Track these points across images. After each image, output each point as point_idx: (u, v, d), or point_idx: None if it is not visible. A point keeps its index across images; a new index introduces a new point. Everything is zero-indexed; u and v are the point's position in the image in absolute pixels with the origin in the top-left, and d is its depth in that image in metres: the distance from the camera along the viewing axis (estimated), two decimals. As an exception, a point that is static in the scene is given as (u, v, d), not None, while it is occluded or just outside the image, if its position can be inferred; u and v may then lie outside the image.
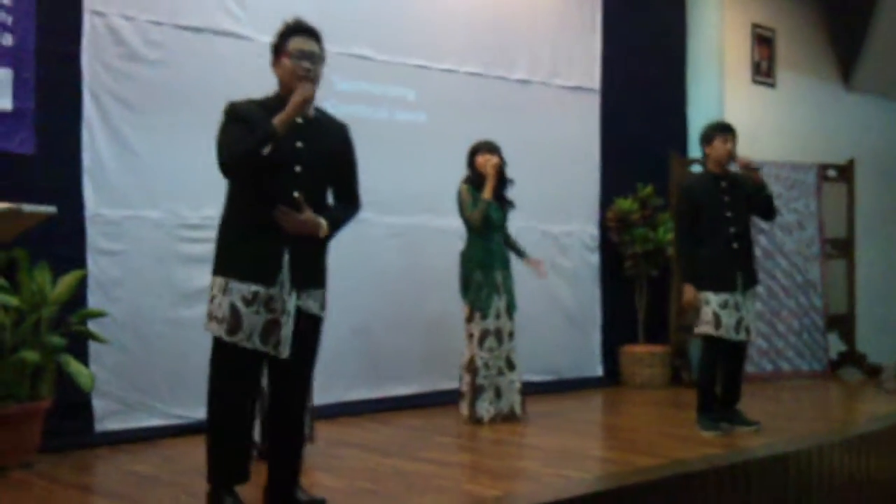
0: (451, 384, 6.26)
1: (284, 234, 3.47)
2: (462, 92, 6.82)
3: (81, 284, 4.95)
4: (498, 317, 5.72)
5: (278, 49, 3.61)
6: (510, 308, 5.78)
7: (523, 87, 7.21)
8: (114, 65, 5.24)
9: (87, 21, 5.15)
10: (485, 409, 5.69)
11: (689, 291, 5.44)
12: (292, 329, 3.53)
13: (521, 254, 6.01)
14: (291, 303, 3.52)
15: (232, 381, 3.51)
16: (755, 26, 8.57)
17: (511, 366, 5.77)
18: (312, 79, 3.55)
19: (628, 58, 7.83)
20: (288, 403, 3.66)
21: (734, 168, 5.57)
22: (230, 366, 3.51)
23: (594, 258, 7.65)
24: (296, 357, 3.56)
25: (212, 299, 3.51)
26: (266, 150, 3.36)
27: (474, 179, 5.75)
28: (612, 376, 7.60)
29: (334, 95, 5.88)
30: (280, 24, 3.65)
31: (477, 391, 5.68)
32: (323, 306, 3.69)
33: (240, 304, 3.45)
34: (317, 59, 3.59)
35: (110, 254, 5.19)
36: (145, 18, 5.35)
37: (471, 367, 5.69)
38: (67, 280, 4.79)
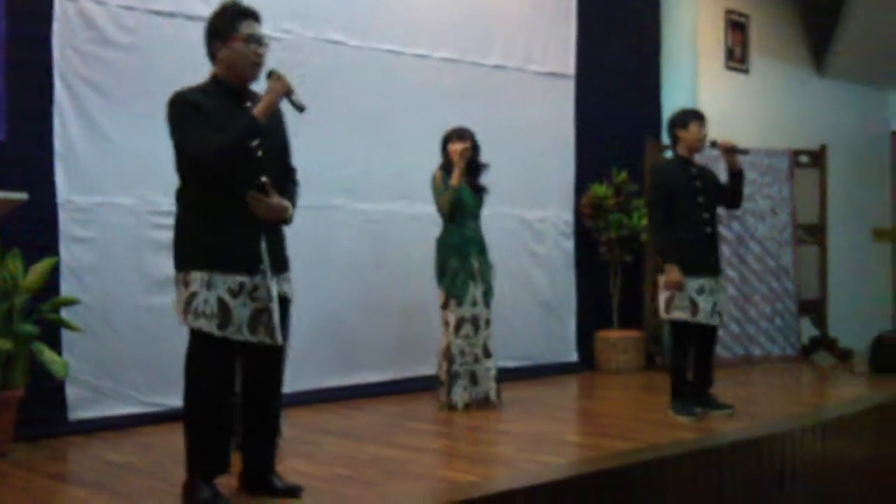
0: (425, 371, 6.27)
1: (258, 221, 3.46)
2: (436, 78, 6.81)
3: (54, 272, 4.91)
4: (475, 304, 5.70)
5: (224, 32, 3.50)
6: (487, 295, 5.76)
7: (498, 73, 7.21)
8: (85, 49, 5.20)
9: (58, 5, 5.10)
10: (459, 395, 5.68)
11: (673, 272, 5.38)
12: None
13: None
14: (274, 289, 3.52)
15: (216, 374, 3.48)
16: (729, 12, 8.61)
17: (487, 353, 5.75)
18: (263, 64, 3.52)
19: (603, 44, 7.85)
20: (264, 390, 3.66)
21: (705, 155, 5.60)
22: (215, 359, 3.47)
23: (569, 244, 7.67)
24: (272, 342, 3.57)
25: (192, 296, 3.41)
26: (253, 143, 3.35)
27: (447, 167, 5.75)
28: (587, 362, 7.64)
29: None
30: (227, 5, 3.56)
31: (452, 378, 5.68)
32: (292, 288, 3.71)
33: (227, 297, 3.40)
34: (265, 43, 3.56)
35: (83, 241, 5.16)
36: (117, 3, 5.31)
37: (447, 355, 5.69)
38: (39, 268, 4.74)
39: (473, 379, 5.74)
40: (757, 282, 8.02)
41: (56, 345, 4.90)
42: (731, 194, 5.65)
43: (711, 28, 8.48)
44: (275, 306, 3.51)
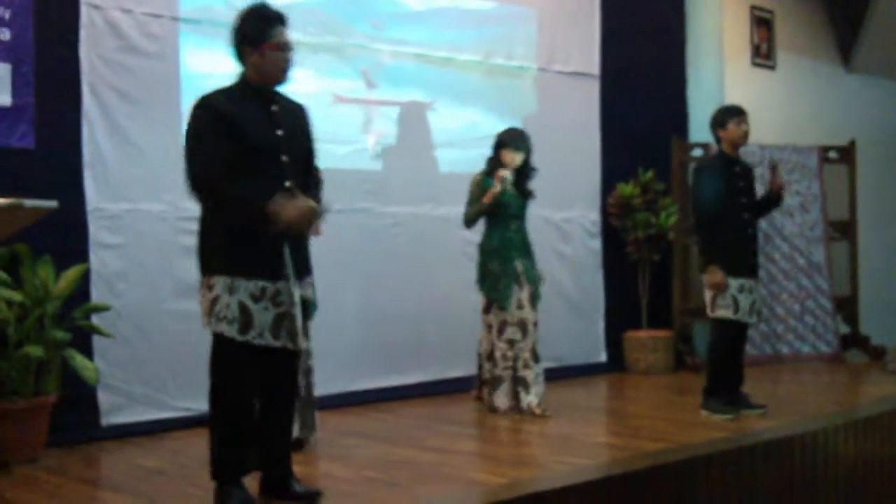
0: (456, 372, 6.28)
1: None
2: (460, 80, 6.80)
3: (84, 278, 4.96)
4: (520, 307, 5.55)
5: (255, 37, 3.50)
6: (534, 298, 5.61)
7: (521, 74, 7.19)
8: (112, 58, 5.24)
9: (85, 14, 5.14)
10: (501, 399, 5.57)
11: (717, 273, 5.36)
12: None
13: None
14: (297, 294, 3.52)
15: (238, 378, 3.50)
16: (754, 8, 8.55)
17: (536, 357, 5.59)
18: (290, 69, 3.56)
19: (627, 42, 7.81)
20: (282, 395, 3.66)
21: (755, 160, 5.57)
22: (238, 363, 3.48)
23: (596, 244, 7.64)
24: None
25: (215, 300, 3.43)
26: (240, 219, 3.38)
27: (495, 169, 5.58)
28: (616, 362, 7.60)
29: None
30: (258, 8, 3.56)
31: (495, 382, 5.60)
32: (315, 292, 3.71)
33: (249, 302, 3.41)
34: (293, 48, 3.57)
35: (112, 247, 5.20)
36: (143, 11, 5.34)
37: (491, 357, 5.60)
38: (70, 274, 4.79)
39: (523, 384, 5.56)
40: (785, 280, 7.95)
41: (88, 351, 4.94)
42: (763, 209, 5.68)
43: (737, 24, 8.42)
44: (298, 311, 3.51)
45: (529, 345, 5.56)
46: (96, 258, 5.13)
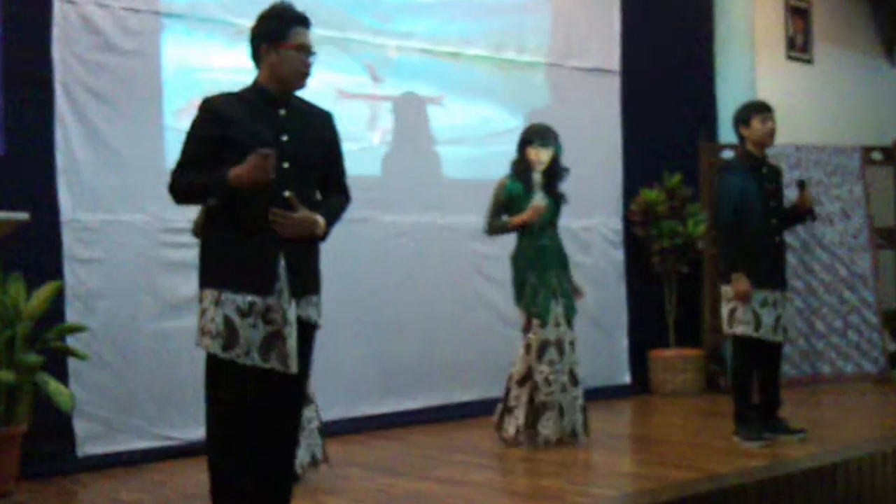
0: (466, 396, 6.28)
1: (278, 238, 3.45)
2: (468, 77, 6.81)
3: (58, 297, 4.94)
4: (558, 325, 5.44)
5: (275, 36, 3.52)
6: (569, 314, 5.51)
7: (536, 71, 7.19)
8: (88, 56, 5.24)
9: (58, 10, 5.15)
10: (550, 429, 5.41)
11: (742, 282, 5.31)
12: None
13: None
14: (292, 312, 3.49)
15: (226, 399, 3.46)
16: (788, -3, 8.56)
17: (574, 380, 5.50)
18: (309, 74, 3.58)
19: (650, 35, 7.81)
20: (282, 424, 3.61)
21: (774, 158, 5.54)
22: (225, 384, 3.45)
23: (618, 254, 7.63)
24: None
25: (203, 313, 3.46)
26: (212, 202, 3.46)
27: (520, 173, 5.51)
28: (641, 384, 7.59)
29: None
30: (279, 7, 3.58)
31: (538, 410, 5.42)
32: (320, 313, 3.67)
33: (234, 317, 3.40)
34: (314, 52, 3.59)
35: (89, 262, 5.20)
36: (121, 5, 5.35)
37: (528, 383, 5.47)
38: (43, 292, 4.78)
39: (560, 410, 5.45)
40: (825, 293, 7.91)
41: (62, 375, 4.92)
42: (790, 221, 5.67)
43: (770, 14, 8.41)
44: (290, 331, 3.48)
45: (567, 366, 5.47)
46: (71, 274, 5.12)
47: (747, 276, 5.32)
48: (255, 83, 3.58)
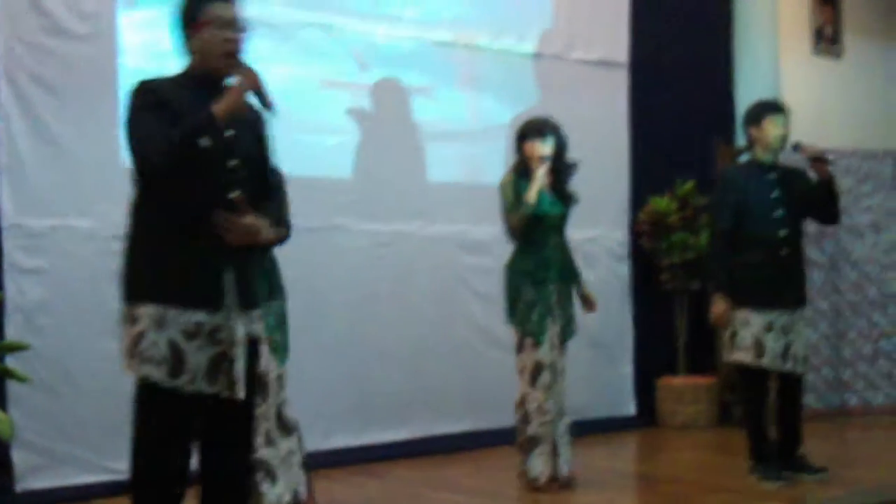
0: (453, 427, 6.30)
1: (225, 247, 3.42)
2: (460, 69, 6.85)
3: (-3, 311, 4.95)
4: (553, 347, 5.34)
5: (192, 17, 3.49)
6: (565, 336, 5.43)
7: (534, 63, 7.24)
8: (34, 41, 5.26)
9: (2, -13, 5.18)
10: (540, 466, 5.30)
11: (719, 304, 5.37)
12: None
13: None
14: (240, 330, 3.47)
15: (166, 432, 3.43)
16: (816, -16, 8.63)
17: (561, 411, 5.40)
18: (239, 52, 3.48)
19: (662, 25, 7.87)
20: (230, 455, 3.57)
21: (790, 157, 5.57)
22: (168, 415, 3.42)
23: (623, 269, 7.66)
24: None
25: (139, 337, 3.37)
26: (204, 143, 3.29)
27: (522, 169, 5.41)
28: (647, 415, 7.64)
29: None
30: None
31: (530, 444, 5.32)
32: (262, 328, 3.66)
33: (180, 340, 3.36)
34: (242, 27, 3.53)
35: (32, 272, 5.21)
36: (73, -16, 5.38)
37: (521, 412, 5.36)
38: (-20, 306, 4.79)
39: (553, 445, 5.34)
40: (853, 315, 7.97)
41: (0, 400, 4.93)
42: (822, 205, 5.59)
43: (795, 3, 8.48)
44: (239, 352, 3.46)
45: (555, 395, 5.35)
46: (12, 285, 5.13)
47: (747, 295, 5.35)
48: (188, 69, 3.54)
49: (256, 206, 3.50)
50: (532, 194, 5.26)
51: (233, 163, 3.44)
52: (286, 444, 4.51)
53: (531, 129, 5.46)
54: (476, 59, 6.95)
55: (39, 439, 5.16)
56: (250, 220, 3.42)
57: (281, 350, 4.55)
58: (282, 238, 4.39)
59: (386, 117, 6.57)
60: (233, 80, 3.43)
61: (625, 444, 7.10)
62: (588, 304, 5.66)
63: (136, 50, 5.53)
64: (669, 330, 7.68)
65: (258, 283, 3.65)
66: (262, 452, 4.44)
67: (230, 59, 3.46)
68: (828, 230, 7.59)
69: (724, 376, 7.71)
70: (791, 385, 5.56)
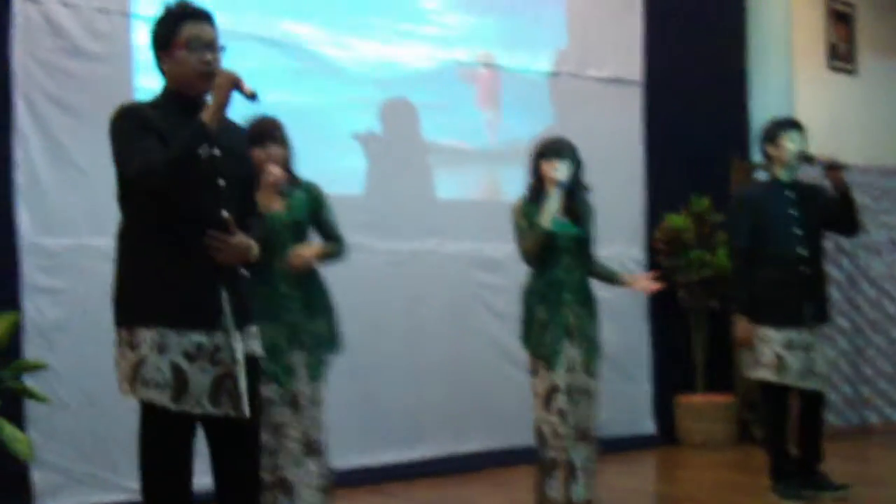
0: (468, 447, 6.29)
1: (218, 266, 3.43)
2: (474, 88, 6.88)
3: (15, 330, 4.95)
4: (572, 369, 5.15)
5: (165, 40, 3.50)
6: (589, 358, 5.22)
7: (549, 81, 7.27)
8: (51, 61, 5.30)
9: (18, 8, 5.21)
10: (556, 490, 5.12)
11: (742, 327, 5.41)
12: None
13: (612, 278, 5.52)
14: (240, 349, 3.47)
15: (173, 456, 3.44)
16: (830, 0, 8.62)
17: (588, 436, 5.21)
18: (214, 73, 3.44)
19: (676, 41, 7.89)
20: (239, 476, 3.58)
21: (807, 172, 5.57)
22: (171, 438, 3.43)
23: (640, 288, 7.65)
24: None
25: (141, 361, 3.36)
26: (203, 152, 3.28)
27: (535, 193, 5.30)
28: (666, 433, 7.62)
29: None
30: (168, 7, 3.57)
31: (546, 468, 5.16)
32: (260, 345, 3.67)
33: (183, 363, 3.35)
34: (216, 47, 3.52)
35: (50, 292, 5.24)
36: (89, 5, 5.42)
37: (538, 435, 5.21)
38: (-2, 325, 4.81)
39: (572, 470, 5.16)
40: (872, 332, 7.96)
41: (19, 419, 4.94)
42: (842, 216, 5.58)
43: (810, 20, 8.49)
44: (241, 371, 3.45)
45: (582, 420, 5.20)
46: (31, 305, 5.16)
47: (768, 313, 5.36)
48: (165, 93, 3.55)
49: (242, 225, 3.51)
50: (545, 218, 5.16)
51: (221, 182, 3.45)
52: (312, 467, 4.50)
53: (548, 150, 5.33)
54: (490, 78, 6.98)
55: (58, 459, 5.18)
56: (240, 239, 3.43)
57: (314, 370, 4.55)
58: (335, 253, 4.62)
59: (400, 135, 6.59)
60: (214, 88, 3.39)
61: (644, 462, 7.08)
62: (634, 281, 5.54)
63: (151, 69, 5.53)
64: (687, 348, 7.68)
65: (248, 300, 3.64)
66: (287, 472, 4.44)
67: (206, 79, 3.43)
68: (845, 247, 7.59)
69: (743, 394, 7.70)
70: (813, 402, 5.55)
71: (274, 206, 4.36)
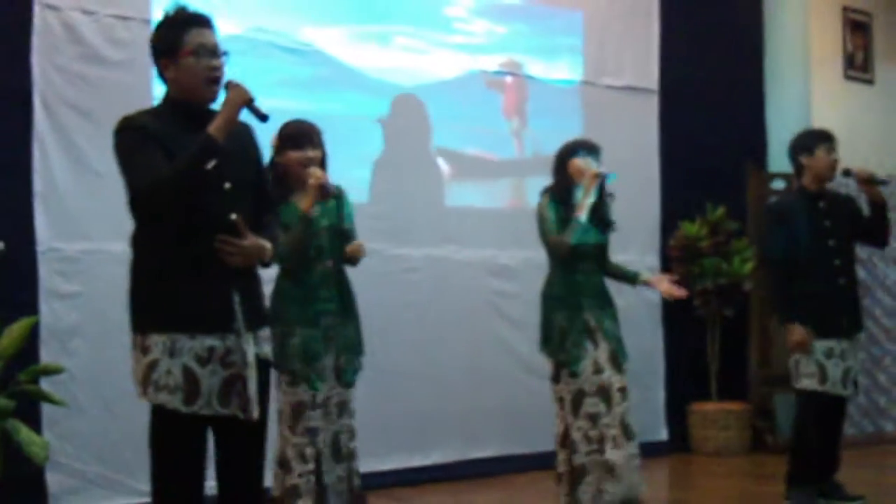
0: (484, 452, 6.29)
1: (229, 269, 3.43)
2: (488, 96, 6.89)
3: (32, 334, 4.99)
4: (599, 371, 5.10)
5: (170, 47, 3.46)
6: (617, 357, 5.20)
7: (564, 89, 7.27)
8: (71, 68, 5.34)
9: (38, 16, 5.26)
10: (589, 497, 5.03)
11: (797, 332, 5.35)
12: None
13: (630, 278, 5.49)
14: (251, 352, 3.48)
15: (185, 457, 3.46)
16: (847, 10, 8.60)
17: (628, 434, 5.11)
18: (222, 78, 3.46)
19: (693, 51, 7.89)
20: (245, 477, 3.59)
21: (839, 182, 5.57)
22: (183, 440, 3.44)
23: (654, 295, 7.61)
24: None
25: (153, 365, 3.37)
26: (211, 165, 3.29)
27: (560, 192, 5.23)
28: (680, 441, 7.61)
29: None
30: (169, 14, 3.53)
31: (577, 474, 5.05)
32: (271, 348, 3.69)
33: (194, 366, 3.36)
34: (221, 53, 3.51)
35: (67, 296, 5.28)
36: (108, 13, 5.46)
37: (566, 442, 5.13)
38: (15, 330, 4.82)
39: (610, 471, 5.05)
40: (888, 341, 7.94)
41: (35, 422, 4.97)
42: (875, 229, 5.61)
43: (827, 29, 8.46)
44: (251, 373, 3.46)
45: (617, 418, 5.09)
46: (47, 310, 5.19)
47: (808, 325, 5.33)
48: (167, 99, 3.53)
49: (256, 225, 3.52)
50: (582, 210, 5.08)
51: (227, 185, 3.44)
52: (339, 472, 4.53)
53: (583, 146, 5.25)
54: (504, 88, 6.99)
55: (73, 462, 5.21)
56: (251, 240, 3.44)
57: (347, 376, 4.63)
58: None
59: (415, 143, 6.61)
60: (224, 99, 3.41)
61: (657, 470, 7.04)
62: (656, 281, 5.51)
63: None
64: (701, 356, 7.66)
65: (261, 302, 3.66)
66: (325, 476, 4.46)
67: (214, 86, 3.46)
68: (861, 256, 7.55)
69: (756, 402, 7.70)
70: (837, 410, 5.55)
71: (313, 208, 4.37)
